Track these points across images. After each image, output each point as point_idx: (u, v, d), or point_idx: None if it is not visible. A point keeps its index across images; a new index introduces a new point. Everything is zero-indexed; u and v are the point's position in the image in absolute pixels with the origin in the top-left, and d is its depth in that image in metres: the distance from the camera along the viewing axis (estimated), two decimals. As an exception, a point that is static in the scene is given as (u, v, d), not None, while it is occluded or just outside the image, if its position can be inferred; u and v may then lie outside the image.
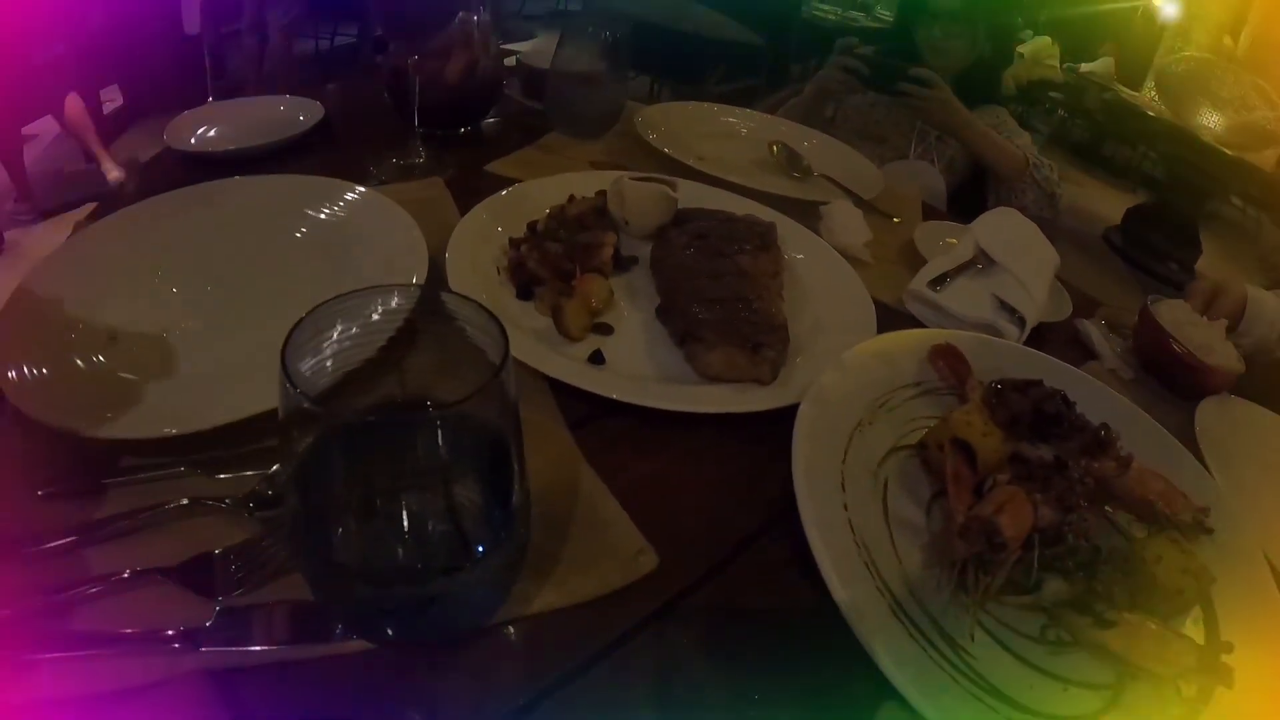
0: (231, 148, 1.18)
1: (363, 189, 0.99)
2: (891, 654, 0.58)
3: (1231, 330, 1.07)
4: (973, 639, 0.63)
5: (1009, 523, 0.65)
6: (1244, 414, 1.04)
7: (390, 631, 0.51)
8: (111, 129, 3.73)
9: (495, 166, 1.20)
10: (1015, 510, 0.67)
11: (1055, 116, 4.42)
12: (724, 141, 1.28)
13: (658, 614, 0.62)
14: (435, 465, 0.45)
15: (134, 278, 0.86)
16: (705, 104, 1.40)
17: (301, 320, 0.44)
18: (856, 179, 1.22)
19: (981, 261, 1.07)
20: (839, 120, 1.67)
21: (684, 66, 3.03)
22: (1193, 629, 0.68)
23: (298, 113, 1.28)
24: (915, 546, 0.69)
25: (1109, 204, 2.13)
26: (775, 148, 1.21)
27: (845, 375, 0.80)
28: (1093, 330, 1.08)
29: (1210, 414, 0.98)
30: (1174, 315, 1.08)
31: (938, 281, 1.00)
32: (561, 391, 0.78)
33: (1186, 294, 1.13)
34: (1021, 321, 0.99)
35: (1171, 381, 1.04)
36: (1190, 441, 0.88)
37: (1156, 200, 2.21)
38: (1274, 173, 2.57)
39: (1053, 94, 4.21)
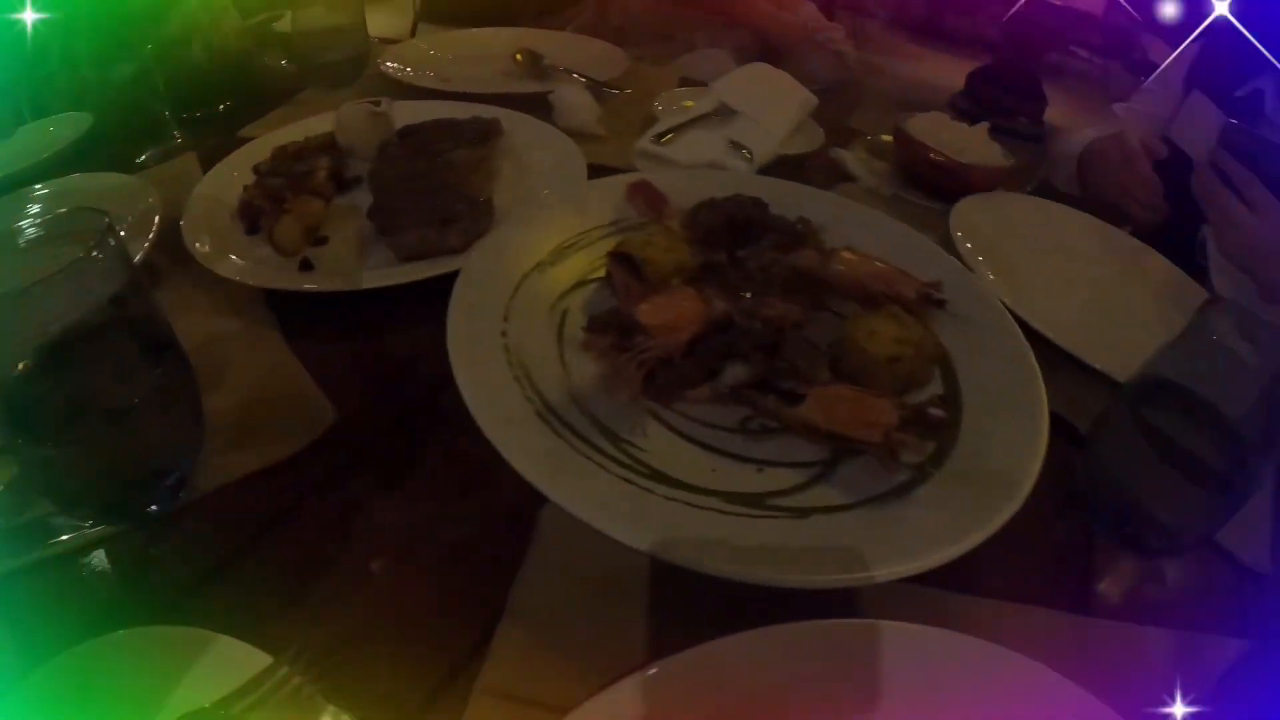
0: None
1: (119, 176, 0.99)
2: (521, 448, 0.56)
3: None
4: (645, 433, 0.61)
5: (650, 311, 0.62)
6: (1002, 204, 1.02)
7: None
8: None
9: (248, 130, 1.18)
10: (665, 303, 0.64)
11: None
12: (473, 63, 1.25)
13: (346, 466, 0.67)
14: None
15: None
16: (454, 31, 1.37)
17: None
18: (596, 64, 1.20)
19: (723, 114, 1.05)
20: (628, 27, 1.64)
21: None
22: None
23: (67, 128, 1.24)
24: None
25: (951, 73, 2.10)
26: (520, 55, 1.19)
27: (527, 224, 0.78)
28: (847, 156, 1.06)
29: (966, 210, 0.96)
30: (928, 126, 1.06)
31: (664, 135, 0.98)
32: (280, 301, 0.82)
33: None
34: (751, 157, 0.96)
35: (935, 189, 1.03)
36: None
37: (996, 60, 2.20)
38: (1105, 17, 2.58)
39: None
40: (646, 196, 0.80)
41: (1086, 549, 0.67)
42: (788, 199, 0.84)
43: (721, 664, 0.48)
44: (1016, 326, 0.73)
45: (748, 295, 0.68)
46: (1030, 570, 0.64)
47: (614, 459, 0.58)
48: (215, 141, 1.16)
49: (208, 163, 1.03)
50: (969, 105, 2.07)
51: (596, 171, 0.94)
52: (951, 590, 0.59)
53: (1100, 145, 1.25)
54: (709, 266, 0.71)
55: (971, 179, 1.02)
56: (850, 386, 0.61)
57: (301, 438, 0.68)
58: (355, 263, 0.84)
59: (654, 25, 1.62)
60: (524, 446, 0.56)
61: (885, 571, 0.50)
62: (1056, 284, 0.93)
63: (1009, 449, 0.61)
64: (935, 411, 0.59)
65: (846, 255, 0.73)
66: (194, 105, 1.25)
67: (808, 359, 0.62)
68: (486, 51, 1.24)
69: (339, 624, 0.54)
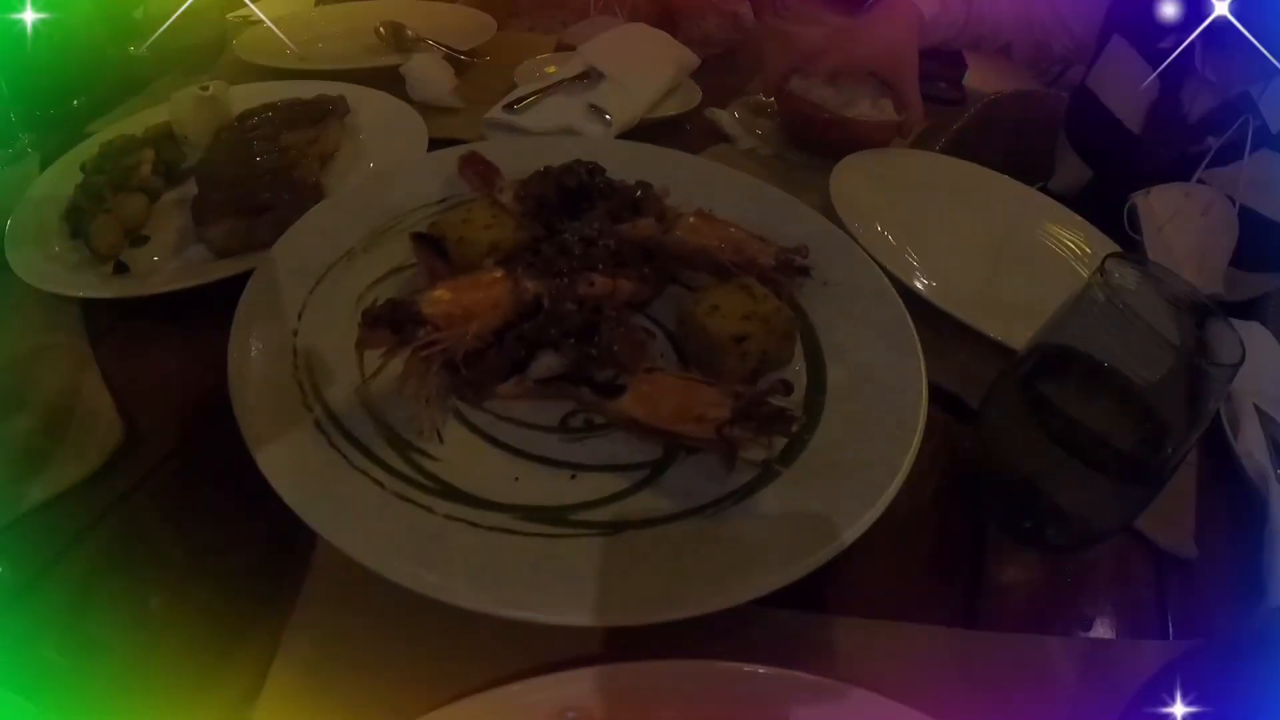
0: None
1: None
2: (285, 465, 0.48)
3: None
4: (441, 439, 0.53)
5: (436, 299, 0.53)
6: (894, 161, 0.93)
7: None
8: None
9: (94, 125, 1.07)
10: (463, 288, 0.55)
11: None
12: (336, 40, 1.15)
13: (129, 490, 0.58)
14: None
15: None
16: (320, 7, 1.26)
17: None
18: (460, 32, 1.10)
19: (592, 78, 0.95)
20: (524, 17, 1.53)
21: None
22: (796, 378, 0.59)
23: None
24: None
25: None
26: (382, 28, 1.08)
27: (338, 208, 0.69)
28: (723, 116, 0.97)
29: (850, 169, 0.88)
30: (811, 83, 0.97)
31: (521, 102, 0.88)
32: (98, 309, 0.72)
33: None
34: (609, 122, 0.87)
35: (823, 147, 0.94)
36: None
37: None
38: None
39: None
40: (477, 169, 0.71)
41: (977, 549, 0.58)
42: (639, 163, 0.75)
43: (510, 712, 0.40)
44: (894, 294, 0.65)
45: (593, 271, 0.59)
46: (911, 577, 0.57)
47: (396, 473, 0.50)
48: (64, 141, 1.06)
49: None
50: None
51: (447, 146, 0.83)
52: (812, 611, 0.50)
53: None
54: (529, 243, 0.61)
55: (858, 134, 0.93)
56: (679, 374, 0.53)
57: (89, 462, 0.59)
58: (170, 262, 0.74)
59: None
60: (290, 463, 0.48)
61: (691, 606, 0.42)
62: (952, 247, 0.84)
63: (877, 437, 0.53)
64: (776, 401, 0.50)
65: (691, 221, 0.64)
66: (44, 104, 1.14)
67: (629, 344, 0.53)
68: (350, 26, 1.13)
69: (113, 669, 0.47)
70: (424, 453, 0.52)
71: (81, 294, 0.70)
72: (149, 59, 1.22)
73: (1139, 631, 0.57)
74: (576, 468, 0.51)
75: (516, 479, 0.50)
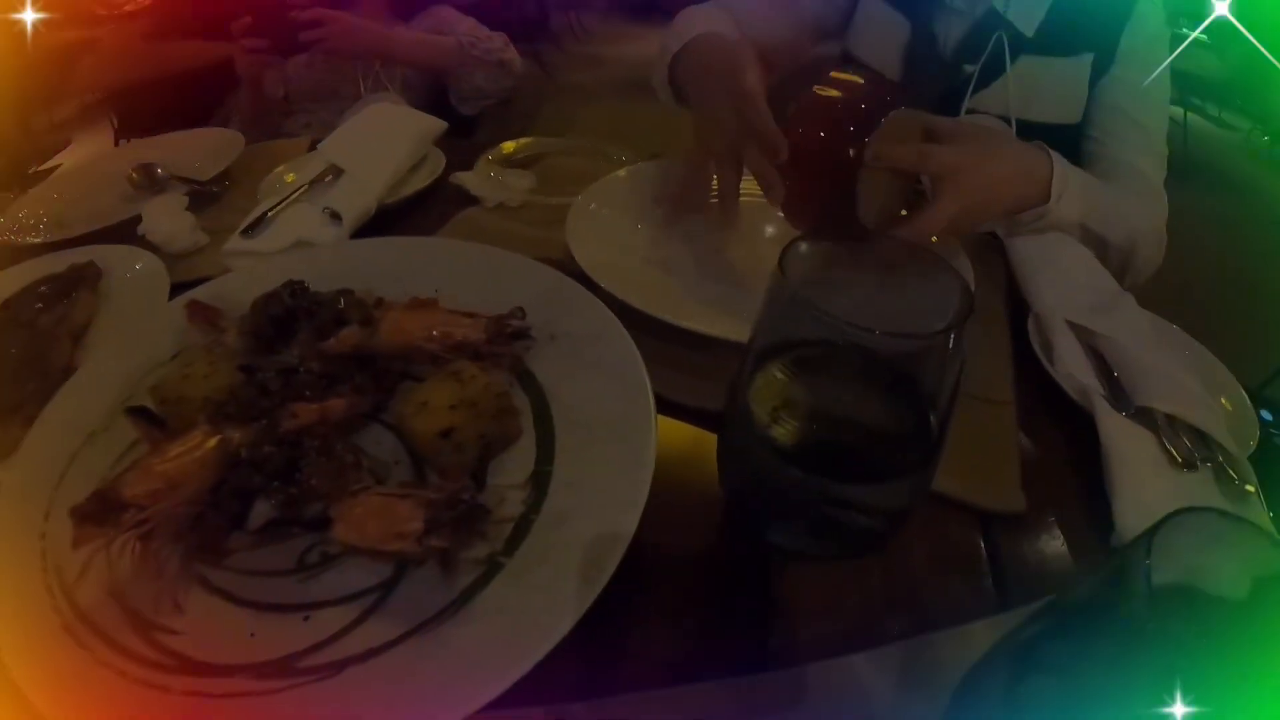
0: None
1: None
2: (42, 677, 0.47)
3: None
4: (182, 611, 0.51)
5: (137, 478, 0.52)
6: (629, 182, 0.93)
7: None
8: None
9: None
10: (170, 457, 0.54)
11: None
12: (93, 197, 1.07)
13: None
14: None
15: None
16: (65, 168, 1.21)
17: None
18: (207, 158, 1.05)
19: (336, 175, 0.94)
20: (292, 95, 1.49)
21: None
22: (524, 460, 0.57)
23: None
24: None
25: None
26: (134, 173, 1.04)
27: (74, 390, 0.67)
28: (467, 179, 0.96)
29: (585, 201, 0.87)
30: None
31: (254, 225, 0.86)
32: None
33: None
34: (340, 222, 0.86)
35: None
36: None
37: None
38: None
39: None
40: (202, 314, 0.70)
41: (761, 579, 0.55)
42: (362, 262, 0.74)
43: None
44: (622, 333, 0.63)
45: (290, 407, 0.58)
46: (702, 627, 0.53)
47: (140, 658, 0.49)
48: None
49: None
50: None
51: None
52: (592, 697, 0.48)
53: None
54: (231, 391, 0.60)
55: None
56: (379, 492, 0.52)
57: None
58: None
59: (314, 86, 1.48)
60: (47, 673, 0.47)
61: None
62: (719, 253, 0.85)
63: (604, 502, 0.51)
64: (461, 497, 0.50)
65: (392, 316, 0.63)
66: None
67: (328, 473, 0.52)
68: (106, 178, 1.09)
69: None
70: (167, 629, 0.50)
71: None
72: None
73: (973, 614, 0.53)
74: (310, 607, 0.50)
75: (252, 635, 0.49)
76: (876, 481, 0.44)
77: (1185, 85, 4.27)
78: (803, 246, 0.44)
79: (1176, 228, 1.06)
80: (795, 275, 0.42)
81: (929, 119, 0.79)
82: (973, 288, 0.66)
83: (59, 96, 1.83)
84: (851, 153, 0.71)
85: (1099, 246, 0.91)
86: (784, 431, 0.44)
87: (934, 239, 0.75)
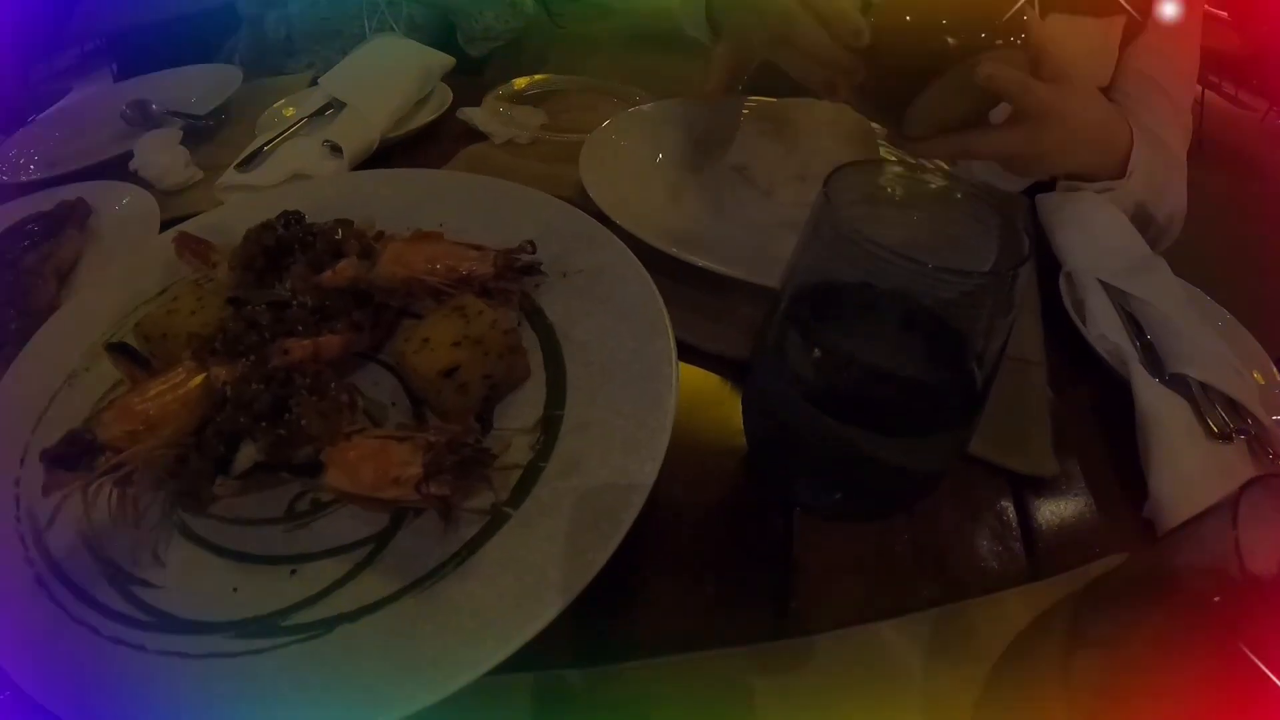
0: None
1: None
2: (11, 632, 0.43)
3: None
4: (162, 562, 0.47)
5: (114, 418, 0.47)
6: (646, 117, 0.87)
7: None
8: None
9: None
10: (150, 396, 0.49)
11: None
12: (84, 135, 1.01)
13: None
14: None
15: None
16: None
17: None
18: (204, 94, 0.98)
19: (336, 108, 0.88)
20: (296, 37, 1.42)
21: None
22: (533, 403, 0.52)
23: None
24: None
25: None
26: (128, 109, 0.98)
27: (54, 329, 0.61)
28: (475, 114, 0.90)
29: (599, 136, 0.81)
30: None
31: (250, 159, 0.80)
32: None
33: None
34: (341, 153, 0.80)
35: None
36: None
37: None
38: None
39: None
40: (192, 248, 0.64)
41: (785, 540, 0.51)
42: (365, 194, 0.69)
43: None
44: (640, 269, 0.58)
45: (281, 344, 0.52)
46: (719, 592, 0.48)
47: (117, 614, 0.44)
48: None
49: None
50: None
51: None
52: (604, 663, 0.44)
53: None
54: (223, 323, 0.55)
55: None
56: (374, 434, 0.47)
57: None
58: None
59: (317, 24, 1.40)
60: (17, 632, 0.43)
61: (399, 706, 0.36)
62: (732, 195, 0.78)
63: (621, 445, 0.46)
64: (464, 440, 0.44)
65: (394, 250, 0.58)
66: None
67: (320, 413, 0.47)
68: (100, 115, 1.03)
69: None
70: (145, 583, 0.46)
71: None
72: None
73: (1004, 581, 0.50)
74: (298, 559, 0.45)
75: (235, 589, 0.44)
76: (913, 437, 0.40)
77: (1204, 61, 4.14)
78: (850, 173, 0.39)
79: (1193, 201, 0.99)
80: (841, 202, 0.37)
81: (1037, 50, 0.71)
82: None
83: (57, 44, 1.76)
84: (951, 43, 0.64)
85: (1144, 223, 0.85)
86: (817, 379, 0.40)
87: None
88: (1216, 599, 0.34)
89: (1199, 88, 4.13)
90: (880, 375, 0.41)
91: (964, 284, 0.36)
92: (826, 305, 0.40)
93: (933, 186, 0.42)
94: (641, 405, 0.48)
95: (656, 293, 0.56)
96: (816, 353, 0.41)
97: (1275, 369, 0.71)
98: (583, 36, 1.80)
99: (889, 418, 0.40)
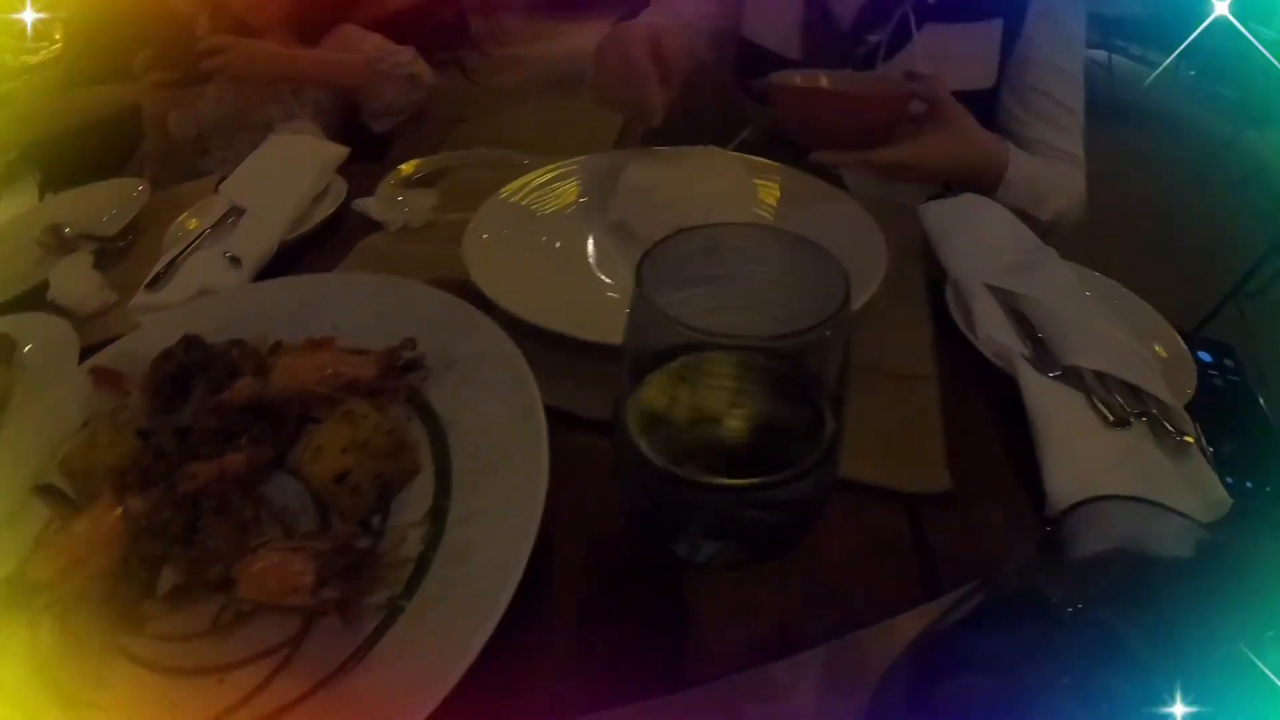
0: None
1: None
2: None
3: None
4: (107, 687, 0.51)
5: (43, 559, 0.52)
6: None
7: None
8: None
9: None
10: (76, 534, 0.54)
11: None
12: (7, 263, 1.06)
13: None
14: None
15: None
16: None
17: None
18: (114, 212, 1.02)
19: (235, 214, 0.92)
20: (205, 132, 1.46)
21: None
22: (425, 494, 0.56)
23: None
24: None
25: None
26: (42, 235, 1.01)
27: None
28: (370, 204, 0.96)
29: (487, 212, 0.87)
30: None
31: (158, 278, 0.85)
32: None
33: None
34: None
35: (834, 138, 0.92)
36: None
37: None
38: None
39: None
40: (106, 379, 0.69)
41: (674, 592, 0.52)
42: (260, 303, 0.73)
43: None
44: (514, 352, 0.62)
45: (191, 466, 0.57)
46: (596, 653, 0.50)
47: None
48: None
49: None
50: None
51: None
52: None
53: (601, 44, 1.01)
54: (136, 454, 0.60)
55: (870, 110, 0.94)
56: (277, 547, 0.52)
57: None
58: None
59: (224, 119, 1.45)
60: None
61: None
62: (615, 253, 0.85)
63: (500, 528, 0.50)
64: (353, 544, 0.50)
65: (284, 362, 0.63)
66: None
67: (225, 532, 0.52)
68: (17, 242, 1.06)
69: None
70: (93, 705, 0.50)
71: None
72: None
73: (902, 606, 0.49)
74: (225, 669, 0.49)
75: (172, 703, 0.49)
76: (773, 478, 0.40)
77: (1107, 28, 4.28)
78: (665, 250, 0.42)
79: (1108, 171, 1.07)
80: (655, 285, 0.40)
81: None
82: (885, 260, 0.72)
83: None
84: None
85: (1028, 224, 0.90)
86: (666, 437, 0.42)
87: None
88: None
89: (1106, 54, 4.27)
90: (728, 423, 0.43)
91: (780, 345, 0.37)
92: (666, 365, 0.42)
93: (769, 236, 0.44)
94: (518, 488, 0.52)
95: (529, 374, 0.59)
96: (661, 412, 0.42)
97: (1182, 340, 0.73)
98: (498, 90, 1.85)
99: (745, 463, 0.42)
